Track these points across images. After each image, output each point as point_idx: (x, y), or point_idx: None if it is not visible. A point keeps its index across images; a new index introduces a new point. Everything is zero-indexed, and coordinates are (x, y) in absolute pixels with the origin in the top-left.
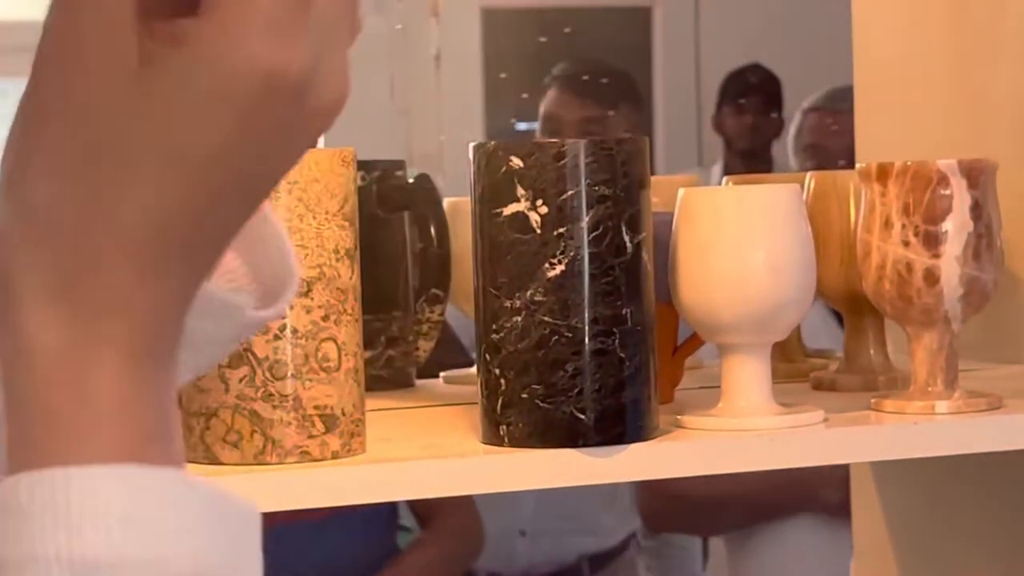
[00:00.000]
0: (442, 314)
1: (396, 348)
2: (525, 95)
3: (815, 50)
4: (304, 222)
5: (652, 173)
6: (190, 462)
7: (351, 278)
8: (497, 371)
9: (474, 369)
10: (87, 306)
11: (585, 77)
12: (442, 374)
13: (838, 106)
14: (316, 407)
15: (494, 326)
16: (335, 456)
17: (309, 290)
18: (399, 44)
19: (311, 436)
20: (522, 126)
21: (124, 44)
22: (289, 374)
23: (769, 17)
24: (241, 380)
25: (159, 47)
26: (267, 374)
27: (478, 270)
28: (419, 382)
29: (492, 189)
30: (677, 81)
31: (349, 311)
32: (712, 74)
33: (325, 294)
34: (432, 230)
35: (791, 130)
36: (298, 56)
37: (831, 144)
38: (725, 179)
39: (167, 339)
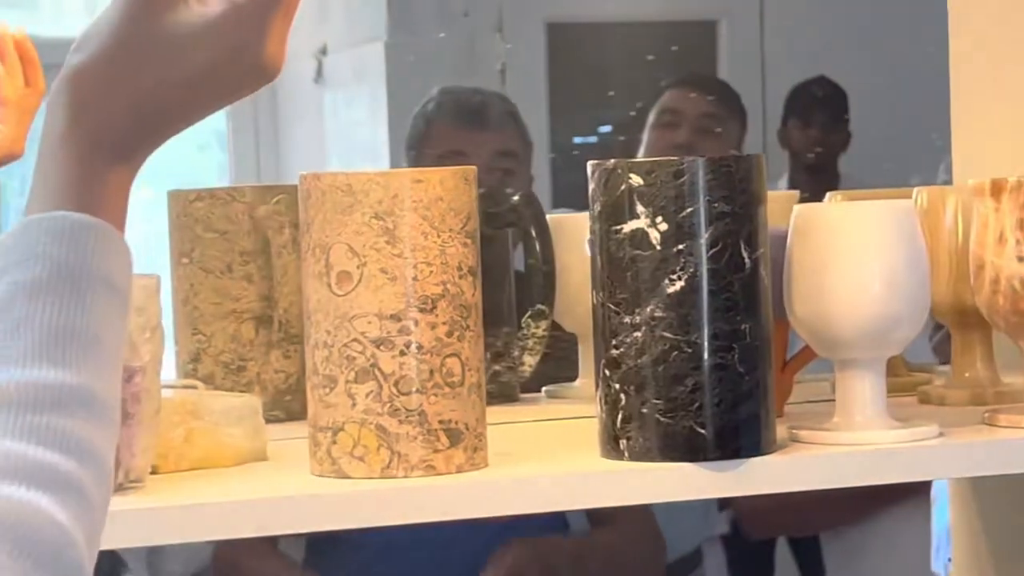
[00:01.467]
0: (547, 330)
1: (501, 363)
2: (589, 109)
3: (881, 62)
4: (428, 240)
5: None
6: (318, 475)
7: (473, 295)
8: (617, 386)
9: (577, 383)
10: (98, 131)
11: (706, 77)
12: (544, 388)
13: None
14: (441, 421)
15: (614, 341)
16: (459, 470)
17: (434, 307)
18: (464, 59)
19: (436, 450)
20: (577, 139)
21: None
22: (415, 389)
23: (834, 30)
24: (368, 395)
25: (194, 4)
26: (393, 389)
27: (597, 286)
28: (521, 396)
29: (612, 206)
30: (742, 95)
31: (472, 327)
32: (777, 87)
33: (449, 311)
34: (537, 247)
35: None
36: (282, 57)
37: None
38: (829, 195)
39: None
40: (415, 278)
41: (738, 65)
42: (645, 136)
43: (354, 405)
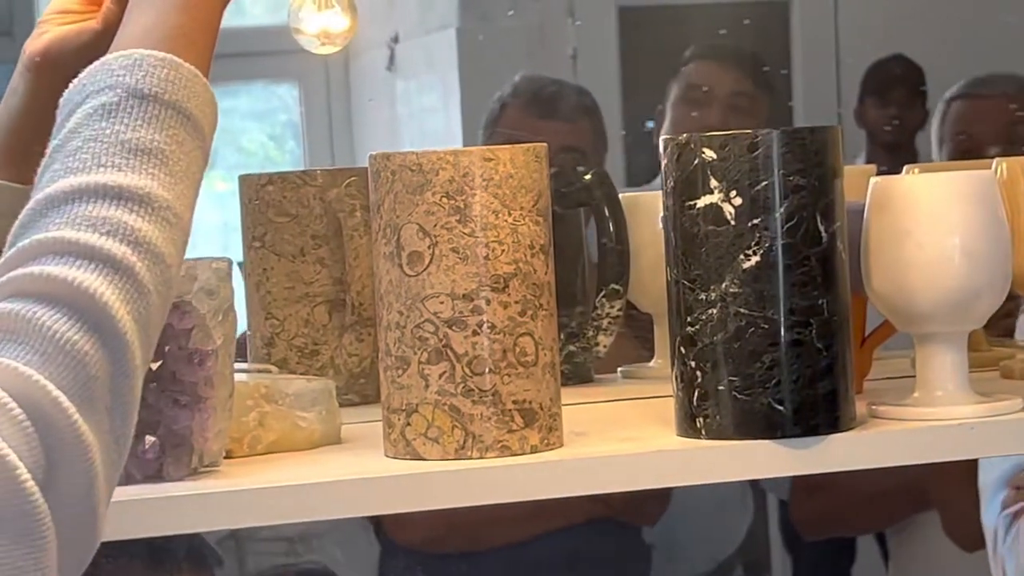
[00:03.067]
0: (621, 309)
1: (576, 343)
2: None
3: (956, 39)
4: (500, 218)
5: None
6: (392, 457)
7: (546, 273)
8: (693, 364)
9: (652, 363)
10: None
11: (730, 49)
12: (620, 369)
13: (981, 91)
14: (515, 402)
15: (689, 319)
16: (534, 450)
17: (506, 286)
18: (536, 44)
19: (511, 431)
20: (650, 123)
21: None
22: (488, 369)
23: (909, 7)
24: (441, 376)
25: None
26: (466, 370)
27: (671, 263)
28: (597, 377)
29: (685, 182)
30: (816, 74)
31: (545, 306)
32: (852, 66)
33: (522, 289)
34: (611, 226)
35: (934, 120)
36: None
37: (978, 131)
38: (907, 168)
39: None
40: (487, 257)
41: (811, 44)
42: (668, 112)
43: (427, 386)
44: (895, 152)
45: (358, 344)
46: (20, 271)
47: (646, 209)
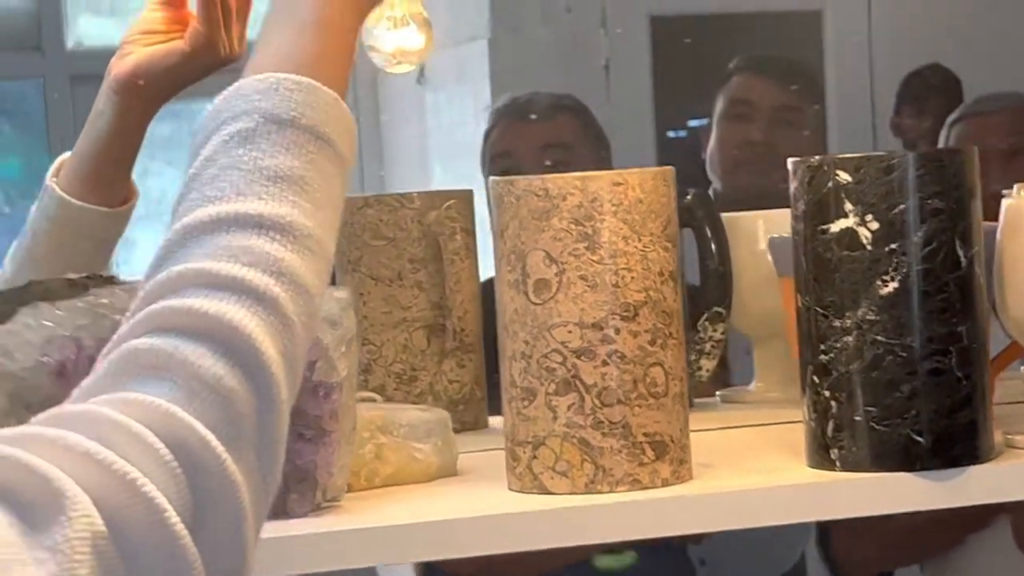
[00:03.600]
0: (724, 332)
1: None
2: (694, 102)
3: (993, 50)
4: (629, 244)
5: None
6: (517, 491)
7: (675, 300)
8: (827, 393)
9: (751, 387)
10: None
11: (773, 61)
12: (718, 393)
13: (982, 109)
14: (646, 434)
15: (823, 347)
16: (665, 484)
17: (636, 314)
18: (568, 55)
19: (642, 464)
20: (682, 133)
21: None
22: (618, 400)
23: (944, 17)
24: (570, 408)
25: None
26: (596, 401)
27: (803, 289)
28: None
29: (818, 205)
30: (850, 84)
31: (674, 335)
32: (886, 76)
33: (652, 318)
34: (713, 247)
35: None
36: None
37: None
38: (1017, 187)
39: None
40: (616, 284)
41: (845, 54)
42: (715, 127)
43: (555, 418)
44: None
45: (459, 370)
46: (160, 304)
47: (744, 230)
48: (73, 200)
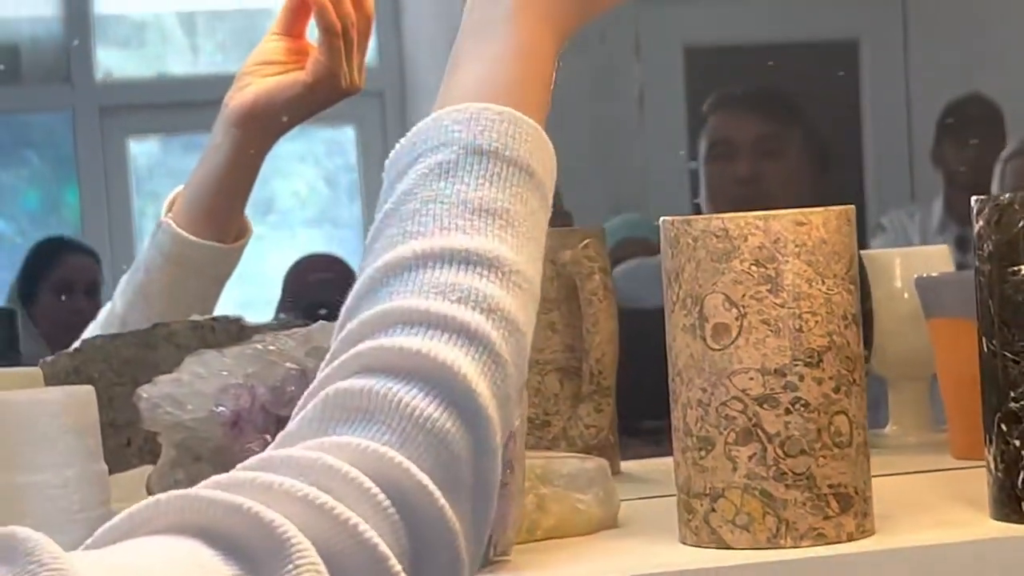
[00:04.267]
0: (867, 373)
1: None
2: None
3: None
4: (813, 287)
5: (863, 208)
6: (692, 545)
7: (858, 345)
8: (1018, 443)
9: (887, 430)
10: (545, 7)
11: (749, 94)
12: None
13: None
14: (830, 485)
15: (1012, 394)
16: (850, 538)
17: (820, 360)
18: (601, 84)
19: (826, 517)
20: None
21: None
22: (801, 450)
23: (984, 46)
24: (751, 458)
25: None
26: (779, 451)
27: (987, 333)
28: None
29: (1007, 246)
30: (887, 115)
31: (858, 381)
32: (924, 106)
33: (836, 364)
34: None
35: (994, 182)
36: None
37: None
38: None
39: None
40: (799, 329)
41: (882, 84)
42: (702, 169)
43: (735, 469)
44: (975, 194)
45: (595, 415)
46: (367, 344)
47: (881, 268)
48: (189, 236)
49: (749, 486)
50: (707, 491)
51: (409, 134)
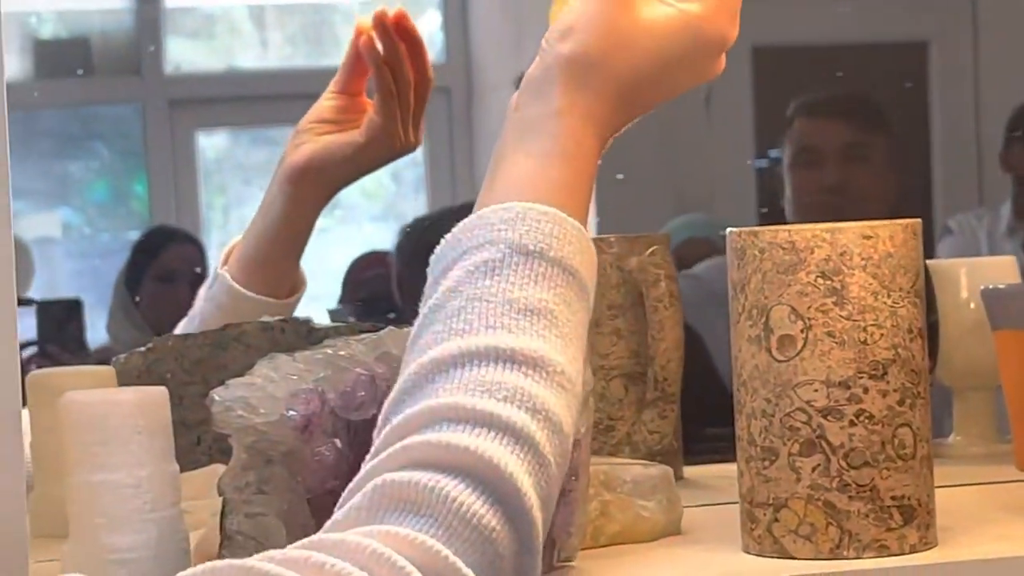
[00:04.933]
0: (931, 384)
1: None
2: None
3: None
4: (879, 300)
5: (930, 210)
6: (755, 554)
7: (923, 358)
8: None
9: (950, 439)
10: (591, 107)
11: (837, 100)
12: None
13: None
14: (893, 497)
15: None
16: (912, 550)
17: (885, 373)
18: None
19: (889, 529)
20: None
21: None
22: (865, 462)
23: None
24: (815, 469)
25: (667, 7)
26: (843, 463)
27: None
28: None
29: None
30: (956, 116)
31: (922, 394)
32: (994, 108)
33: (901, 377)
34: None
35: None
36: (736, 29)
37: None
38: None
39: (605, 146)
40: (865, 342)
41: (951, 86)
42: (787, 175)
43: (799, 480)
44: None
45: (660, 421)
46: (415, 439)
47: (947, 279)
48: (243, 290)
49: (812, 496)
50: (770, 501)
51: (455, 230)
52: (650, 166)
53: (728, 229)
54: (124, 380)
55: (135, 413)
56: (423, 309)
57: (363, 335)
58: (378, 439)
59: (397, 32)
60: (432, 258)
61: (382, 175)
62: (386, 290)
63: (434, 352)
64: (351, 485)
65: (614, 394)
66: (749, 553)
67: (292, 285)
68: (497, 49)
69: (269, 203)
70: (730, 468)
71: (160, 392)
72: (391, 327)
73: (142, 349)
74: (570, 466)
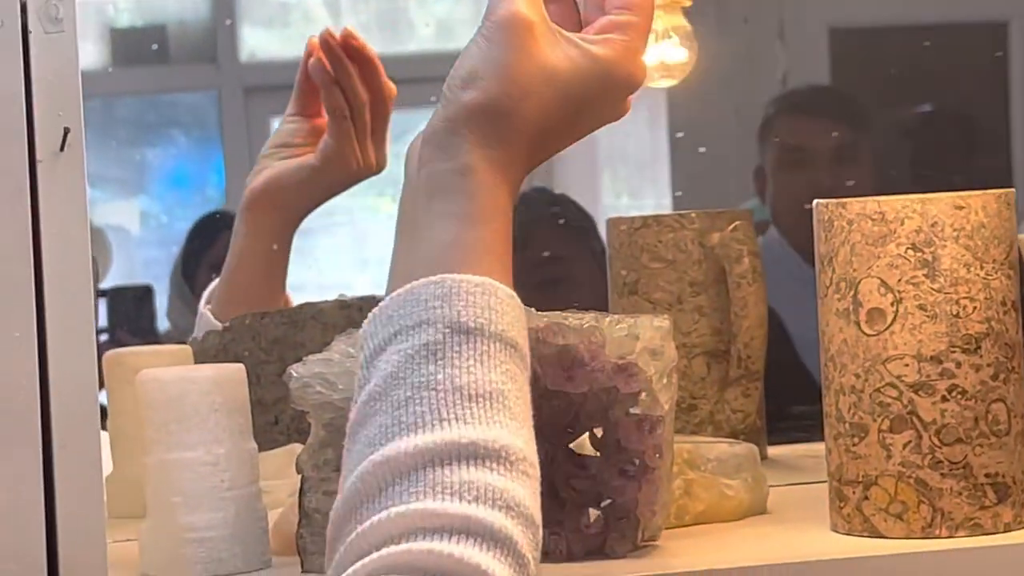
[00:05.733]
0: None
1: None
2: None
3: None
4: (971, 272)
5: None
6: (843, 533)
7: (1017, 332)
8: None
9: None
10: (501, 160)
11: (815, 94)
12: None
13: None
14: (987, 475)
15: None
16: (1007, 529)
17: (978, 347)
18: (744, 66)
19: (983, 507)
20: None
21: (555, 41)
22: (958, 439)
23: None
24: (906, 446)
25: (572, 50)
26: (934, 439)
27: None
28: None
29: None
30: None
31: (1016, 369)
32: None
33: (994, 351)
34: None
35: None
36: (643, 72)
37: None
38: None
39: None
40: (957, 315)
41: None
42: (769, 178)
43: (889, 457)
44: None
45: (743, 399)
46: (392, 548)
47: None
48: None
49: (903, 474)
50: (860, 479)
51: (383, 305)
52: (728, 148)
53: (815, 201)
54: (201, 360)
55: (212, 390)
56: (359, 394)
57: None
58: (340, 546)
59: (345, 51)
60: (361, 333)
61: None
62: None
63: (387, 450)
64: None
65: (696, 372)
66: (838, 532)
67: None
68: None
69: (234, 233)
70: (813, 447)
71: (238, 369)
72: None
73: (219, 328)
74: (654, 444)
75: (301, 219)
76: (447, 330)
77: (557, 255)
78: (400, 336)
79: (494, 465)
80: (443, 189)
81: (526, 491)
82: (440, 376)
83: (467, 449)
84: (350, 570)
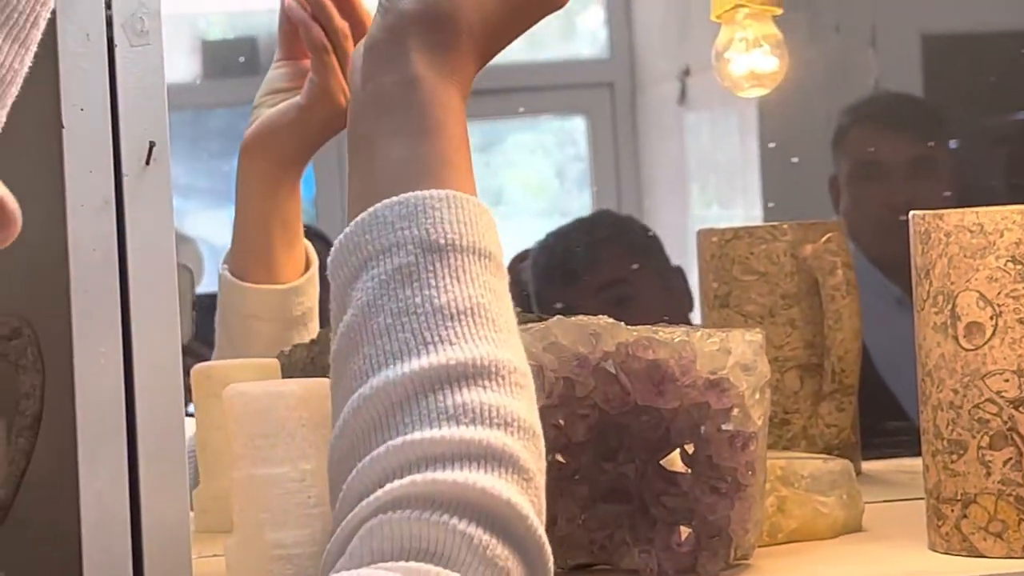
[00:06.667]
0: None
1: None
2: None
3: None
4: None
5: None
6: (942, 552)
7: None
8: None
9: None
10: (448, 65)
11: (898, 106)
12: None
13: None
14: None
15: None
16: None
17: None
18: (837, 74)
19: None
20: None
21: None
22: None
23: None
24: (1006, 463)
25: None
26: None
27: None
28: None
29: None
30: None
31: None
32: None
33: None
34: None
35: None
36: None
37: None
38: None
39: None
40: None
41: None
42: (844, 189)
43: (989, 474)
44: None
45: (838, 414)
46: (395, 483)
47: None
48: (237, 281)
49: (1004, 492)
50: (958, 496)
51: (348, 231)
52: (819, 156)
53: (911, 212)
54: (289, 373)
55: (299, 405)
56: (339, 324)
57: (530, 324)
58: (343, 484)
59: None
60: (330, 261)
61: (546, 171)
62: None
63: (376, 381)
64: (330, 546)
65: (789, 386)
66: (936, 551)
67: (294, 265)
68: (661, 41)
69: (236, 186)
70: (909, 463)
71: (325, 384)
72: (559, 316)
73: (307, 341)
74: (746, 461)
75: (301, 163)
76: (418, 251)
77: (620, 277)
78: (371, 262)
79: (486, 383)
80: (392, 104)
81: (522, 403)
82: (418, 299)
83: (456, 371)
84: (356, 509)
